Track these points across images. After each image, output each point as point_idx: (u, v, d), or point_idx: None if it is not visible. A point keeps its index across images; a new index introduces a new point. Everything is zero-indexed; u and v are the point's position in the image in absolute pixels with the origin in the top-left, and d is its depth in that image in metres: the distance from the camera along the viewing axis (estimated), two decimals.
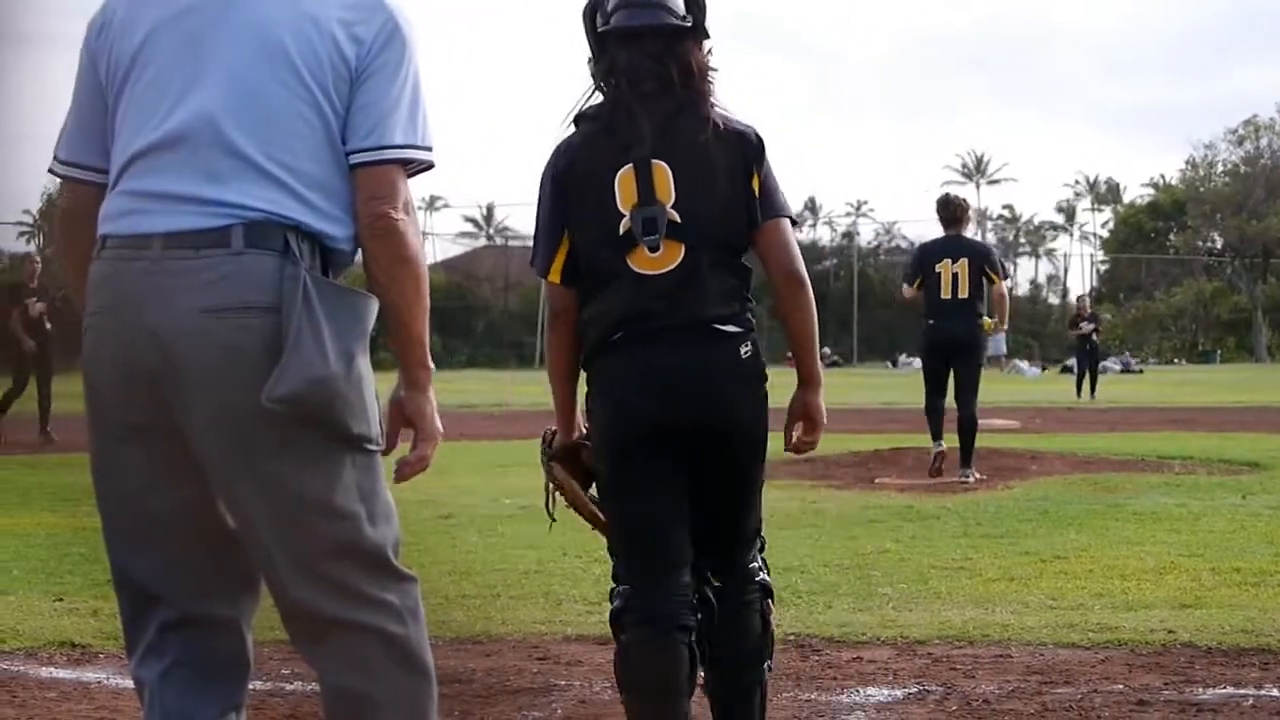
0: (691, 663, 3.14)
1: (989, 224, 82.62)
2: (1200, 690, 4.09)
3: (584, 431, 3.27)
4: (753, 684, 3.28)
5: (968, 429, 9.73)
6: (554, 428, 3.32)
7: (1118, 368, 43.96)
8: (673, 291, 3.06)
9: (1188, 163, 76.13)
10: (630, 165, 3.08)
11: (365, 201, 2.40)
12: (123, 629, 2.55)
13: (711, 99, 3.15)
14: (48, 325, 14.42)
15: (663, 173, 3.08)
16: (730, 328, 3.10)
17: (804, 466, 10.72)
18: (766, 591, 3.29)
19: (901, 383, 30.16)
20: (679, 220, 3.07)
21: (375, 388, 2.44)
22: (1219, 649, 4.56)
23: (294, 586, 2.38)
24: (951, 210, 10.29)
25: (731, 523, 3.24)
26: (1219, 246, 72.83)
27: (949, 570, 6.11)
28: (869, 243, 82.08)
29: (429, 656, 2.48)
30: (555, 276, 3.18)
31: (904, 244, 70.88)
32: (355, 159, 2.41)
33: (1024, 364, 46.29)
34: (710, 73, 3.17)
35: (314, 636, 2.42)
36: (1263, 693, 4.06)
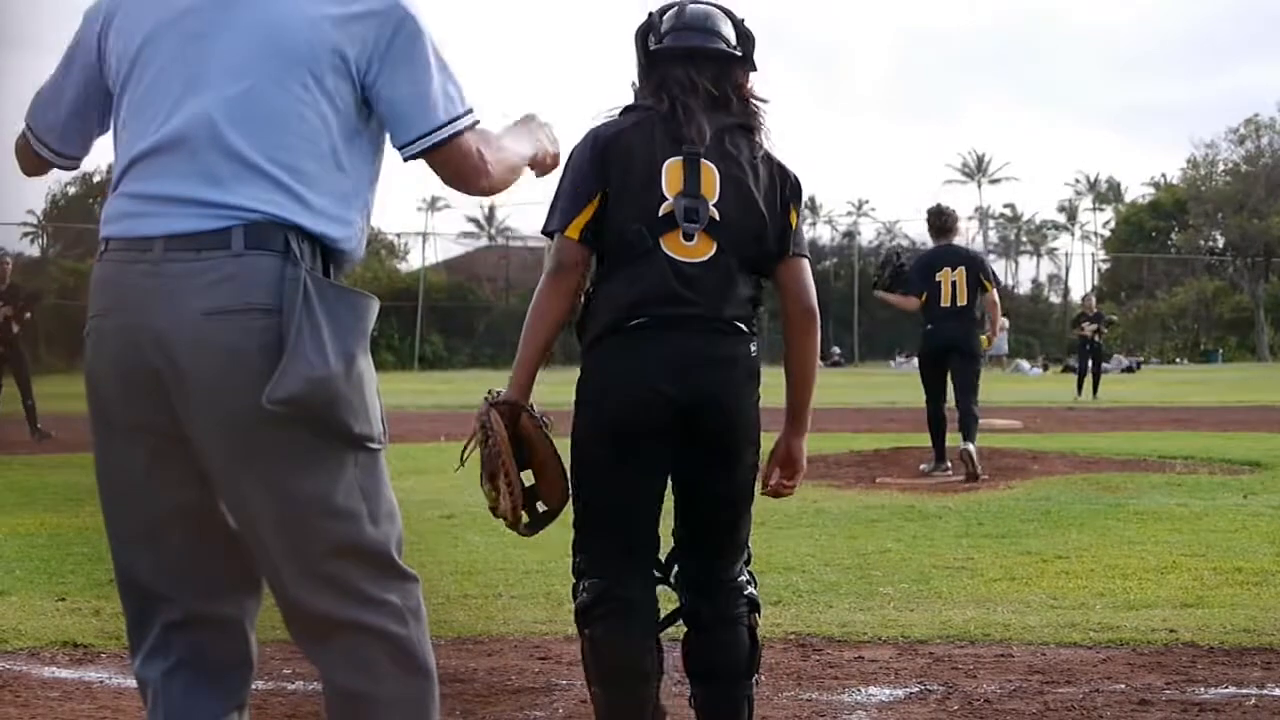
0: (659, 653, 3.20)
1: (991, 223, 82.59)
2: (1202, 690, 4.09)
3: (534, 404, 3.21)
4: (741, 699, 3.29)
5: (970, 420, 9.83)
6: (498, 388, 3.22)
7: (1118, 367, 43.94)
8: (703, 280, 3.09)
9: (1189, 162, 76.13)
10: (681, 157, 3.11)
11: (451, 182, 2.52)
12: (126, 629, 2.56)
13: (759, 121, 3.24)
14: (15, 329, 14.23)
15: (710, 173, 3.12)
16: (744, 326, 3.15)
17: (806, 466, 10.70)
18: (753, 605, 3.31)
19: (902, 382, 30.16)
20: (718, 219, 3.10)
21: (377, 386, 2.45)
22: (1221, 648, 4.57)
23: (296, 587, 2.39)
24: (945, 220, 10.61)
25: (724, 526, 3.27)
26: (1220, 246, 72.80)
27: (950, 570, 6.11)
28: (870, 242, 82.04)
29: (431, 657, 2.48)
30: (574, 233, 3.12)
31: (905, 243, 70.81)
32: (409, 152, 2.45)
33: (1025, 363, 46.31)
34: (761, 103, 3.26)
35: (317, 637, 2.42)
36: (1265, 692, 4.06)
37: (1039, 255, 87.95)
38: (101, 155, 2.65)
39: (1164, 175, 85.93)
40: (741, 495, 3.27)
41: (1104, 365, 27.54)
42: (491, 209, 79.72)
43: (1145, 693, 4.05)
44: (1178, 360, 61.17)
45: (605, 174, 3.12)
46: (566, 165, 3.13)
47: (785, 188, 3.20)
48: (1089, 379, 24.48)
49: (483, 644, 4.77)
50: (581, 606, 3.17)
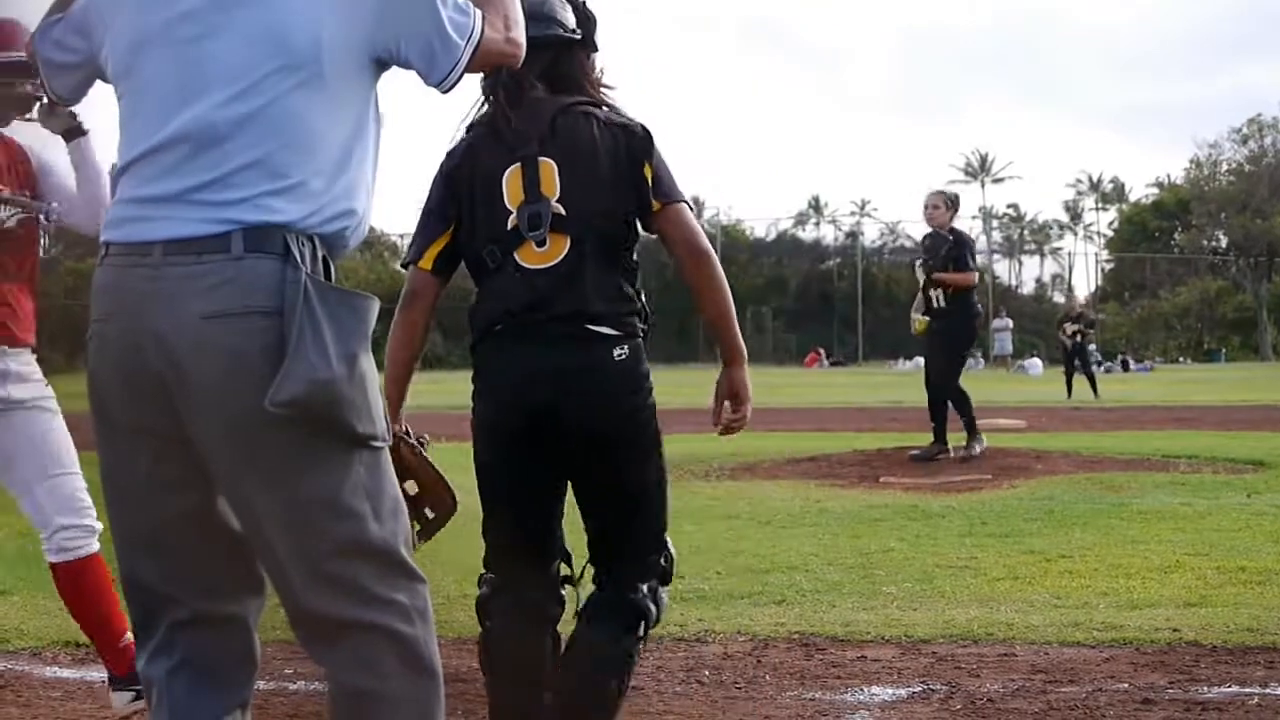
0: (555, 650, 3.22)
1: (994, 223, 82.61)
2: (1205, 689, 4.08)
3: (404, 427, 3.24)
4: (600, 699, 3.21)
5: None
6: None
7: (1121, 368, 43.95)
8: (556, 284, 3.09)
9: (1192, 161, 76.20)
10: (518, 164, 3.14)
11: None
12: (132, 629, 2.57)
13: (602, 101, 3.23)
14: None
15: (549, 169, 3.13)
16: (606, 329, 3.10)
17: (808, 466, 10.73)
18: (642, 614, 3.22)
19: (905, 382, 30.16)
20: (564, 213, 3.10)
21: (380, 385, 2.45)
22: (1224, 647, 4.56)
23: (304, 588, 2.39)
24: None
25: (614, 534, 3.23)
26: (1224, 245, 72.78)
27: (954, 569, 6.10)
28: (873, 242, 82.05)
29: (437, 657, 2.48)
30: (426, 264, 3.21)
31: (908, 243, 70.82)
32: (445, 87, 2.49)
33: (1028, 363, 46.29)
34: (599, 80, 3.27)
35: (324, 638, 2.42)
36: (1268, 691, 4.06)
37: (1042, 255, 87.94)
38: (102, 156, 2.65)
39: (1168, 175, 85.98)
40: (623, 501, 3.21)
41: (1097, 363, 27.56)
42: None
43: (1148, 692, 4.05)
44: (1181, 360, 61.15)
45: (454, 204, 3.19)
46: (425, 199, 3.25)
47: (630, 145, 3.15)
48: (1082, 380, 24.48)
49: None
50: (479, 600, 3.24)
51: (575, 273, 3.10)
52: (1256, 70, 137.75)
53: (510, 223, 3.12)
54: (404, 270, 3.30)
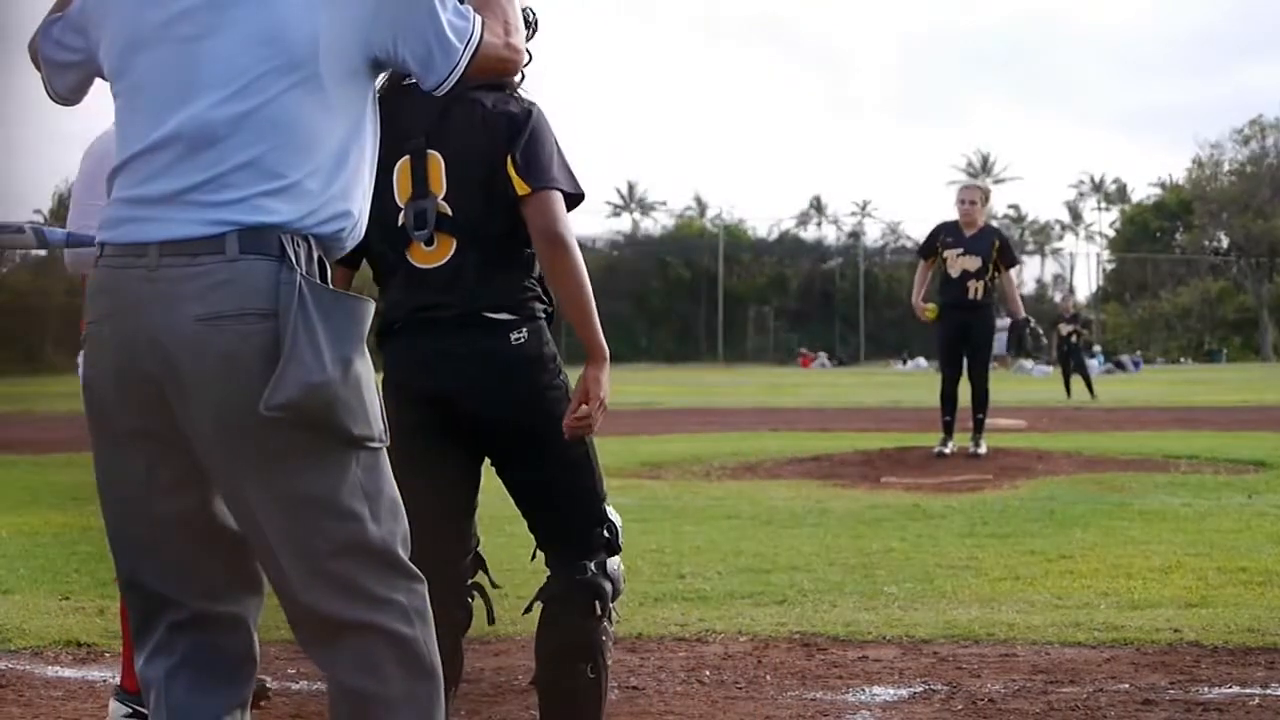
0: (455, 657, 3.16)
1: (995, 223, 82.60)
2: (1206, 689, 4.08)
3: None
4: (573, 688, 3.19)
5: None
6: None
7: (1125, 368, 43.92)
8: (446, 284, 3.08)
9: (1194, 162, 76.26)
10: (407, 156, 3.11)
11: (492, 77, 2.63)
12: (131, 630, 2.56)
13: (504, 88, 3.14)
14: None
15: (436, 163, 3.10)
16: (503, 315, 3.08)
17: (810, 465, 10.73)
18: (595, 593, 3.17)
19: (906, 381, 30.15)
20: (450, 214, 3.08)
21: (376, 384, 2.45)
22: (1225, 648, 4.56)
23: (302, 588, 2.39)
24: None
25: (540, 515, 3.21)
26: (1225, 246, 72.80)
27: (955, 569, 6.10)
28: (875, 242, 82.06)
29: (436, 658, 2.48)
30: None
31: (909, 243, 70.81)
32: (442, 90, 2.49)
33: (1029, 362, 46.24)
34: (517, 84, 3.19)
35: (324, 639, 2.42)
36: (1269, 692, 4.05)
37: (1044, 255, 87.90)
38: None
39: (1169, 175, 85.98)
40: (544, 485, 3.16)
41: (1092, 362, 27.61)
42: None
43: (1149, 692, 4.05)
44: (1182, 360, 61.11)
45: None
46: None
47: (507, 131, 3.08)
48: (1078, 380, 24.51)
49: (489, 644, 4.77)
50: None
51: (464, 272, 3.07)
52: (1258, 71, 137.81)
53: (400, 220, 3.10)
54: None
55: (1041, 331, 10.90)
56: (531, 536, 3.27)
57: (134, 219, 2.38)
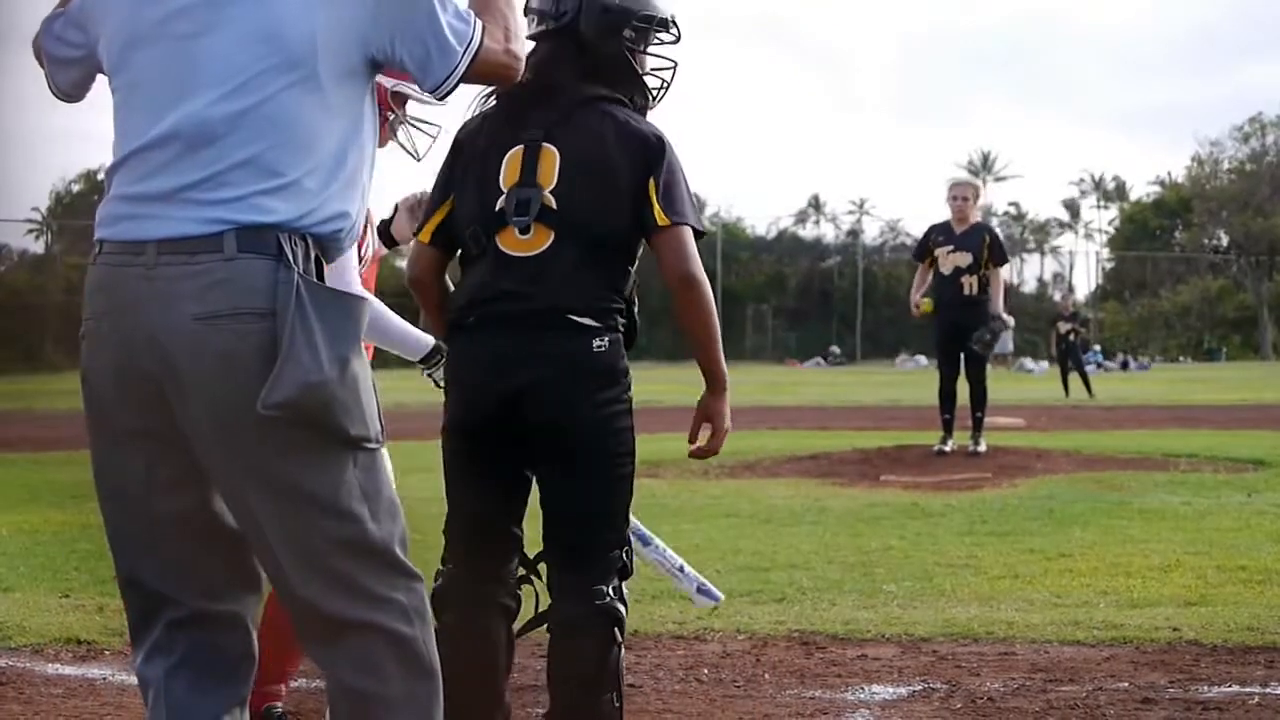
0: (509, 646, 3.16)
1: (995, 221, 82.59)
2: (1205, 688, 4.08)
3: None
4: (585, 712, 3.08)
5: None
6: None
7: (1116, 365, 43.94)
8: (533, 275, 3.03)
9: (1194, 160, 76.24)
10: (521, 146, 3.09)
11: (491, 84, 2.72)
12: (129, 627, 2.56)
13: (632, 103, 3.16)
14: None
15: (550, 157, 3.07)
16: (586, 320, 3.01)
17: (809, 464, 10.73)
18: (612, 620, 3.06)
19: (906, 380, 30.16)
20: (554, 206, 3.04)
21: (374, 384, 2.45)
22: (1224, 647, 4.56)
23: (302, 586, 2.39)
24: None
25: (573, 536, 3.10)
26: (1224, 244, 72.81)
27: (954, 568, 6.10)
28: (873, 240, 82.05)
29: (436, 657, 2.49)
30: (426, 236, 3.20)
31: (908, 241, 70.79)
32: (440, 94, 2.50)
33: (1029, 361, 46.29)
34: (638, 74, 3.19)
35: (323, 637, 2.43)
36: (1268, 690, 4.06)
37: (1043, 253, 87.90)
38: (104, 154, 2.65)
39: (1169, 173, 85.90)
40: (587, 496, 3.08)
41: (1104, 364, 27.64)
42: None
43: (1148, 691, 4.05)
44: (1181, 359, 61.11)
45: (454, 177, 3.17)
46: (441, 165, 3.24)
47: (644, 156, 3.06)
48: (1076, 379, 24.51)
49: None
50: (434, 593, 3.07)
51: (555, 265, 3.02)
52: (1259, 69, 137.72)
53: (499, 204, 3.07)
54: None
55: (998, 330, 10.83)
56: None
57: (132, 216, 2.38)
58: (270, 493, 2.36)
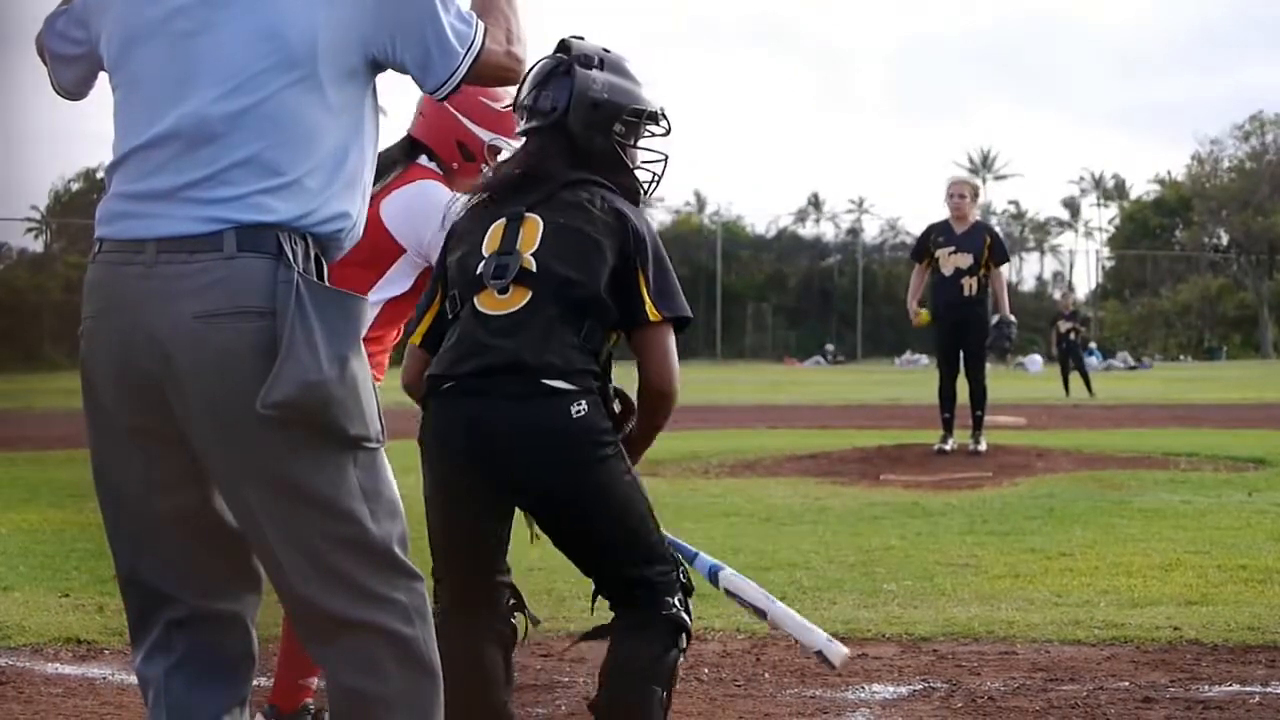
0: (508, 671, 3.17)
1: (994, 220, 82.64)
2: (1206, 687, 4.08)
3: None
4: (641, 705, 3.08)
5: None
6: None
7: (1121, 365, 43.96)
8: (508, 330, 3.02)
9: (1194, 159, 76.20)
10: (504, 219, 3.13)
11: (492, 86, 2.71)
12: (129, 626, 2.56)
13: (622, 187, 3.19)
14: None
15: (532, 225, 3.10)
16: (561, 384, 3.00)
17: (809, 463, 10.72)
18: (677, 626, 3.10)
19: (906, 379, 30.16)
20: (533, 269, 3.05)
21: (373, 383, 2.45)
22: (1225, 646, 4.56)
23: (302, 585, 2.38)
24: None
25: (606, 570, 3.14)
26: (1225, 243, 72.80)
27: (954, 567, 6.10)
28: (873, 239, 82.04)
29: (436, 657, 2.48)
30: (417, 338, 3.22)
31: (907, 239, 70.77)
32: (441, 94, 2.49)
33: (1027, 360, 46.25)
34: (629, 168, 3.23)
35: (324, 638, 2.42)
36: (1269, 690, 4.05)
37: (1043, 252, 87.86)
38: (103, 153, 2.65)
39: (1169, 172, 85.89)
40: (592, 550, 3.12)
41: (1109, 363, 27.65)
42: None
43: (1149, 690, 4.04)
44: (1181, 357, 61.11)
45: (444, 266, 3.20)
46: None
47: (626, 234, 3.09)
48: (1077, 378, 24.50)
49: None
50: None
51: (531, 321, 3.02)
52: (1259, 68, 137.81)
53: (479, 269, 3.09)
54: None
55: (1012, 335, 10.88)
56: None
57: (132, 214, 2.37)
58: (270, 492, 2.35)
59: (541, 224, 3.09)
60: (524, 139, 3.25)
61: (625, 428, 3.20)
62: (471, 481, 3.06)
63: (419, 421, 3.13)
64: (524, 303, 3.04)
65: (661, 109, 3.27)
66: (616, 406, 3.20)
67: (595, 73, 3.19)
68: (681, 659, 3.15)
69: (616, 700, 3.09)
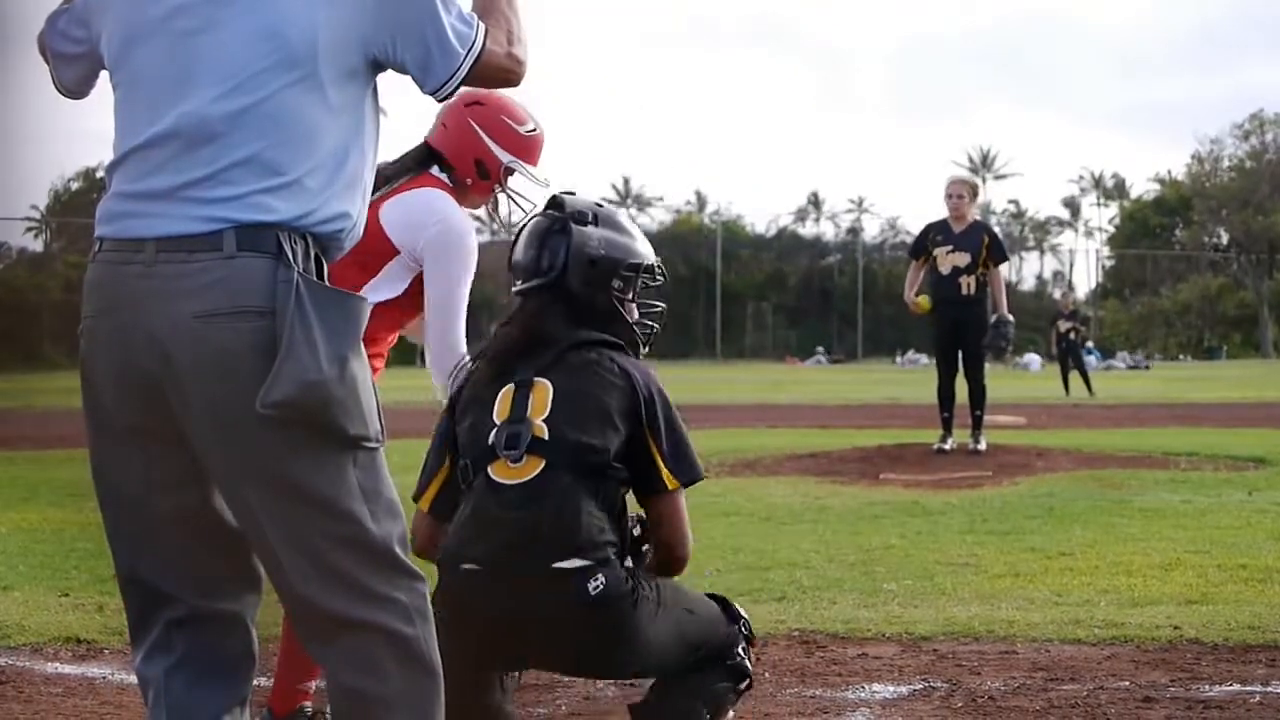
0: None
1: (994, 219, 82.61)
2: (1206, 687, 4.08)
3: None
4: (684, 712, 3.19)
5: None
6: None
7: (1122, 365, 43.95)
8: (523, 502, 3.02)
9: (1194, 158, 76.24)
10: (512, 385, 3.13)
11: (493, 88, 2.67)
12: (129, 626, 2.56)
13: (626, 344, 3.22)
14: None
15: (542, 391, 3.11)
16: (578, 561, 2.99)
17: (809, 462, 10.72)
18: (743, 674, 3.26)
19: (906, 378, 30.16)
20: (545, 436, 3.05)
21: (373, 383, 2.45)
22: (1225, 645, 4.55)
23: (303, 584, 2.38)
24: None
25: (666, 682, 3.20)
26: (1225, 242, 72.80)
27: (954, 566, 6.09)
28: (873, 238, 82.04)
29: (437, 656, 2.48)
30: (425, 504, 3.22)
31: (907, 238, 70.80)
32: (440, 95, 2.48)
33: (1026, 359, 46.27)
34: (628, 322, 3.27)
35: (324, 637, 2.42)
36: (1269, 689, 4.05)
37: (1043, 251, 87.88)
38: (103, 152, 2.65)
39: (1169, 171, 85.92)
40: (659, 672, 3.19)
41: (1109, 362, 27.65)
42: (495, 203, 79.66)
43: (1149, 690, 4.04)
44: (1181, 357, 61.10)
45: (454, 435, 3.19)
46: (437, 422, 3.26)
47: (636, 398, 3.10)
48: (1076, 377, 24.50)
49: None
50: None
51: (546, 493, 3.02)
52: (1259, 67, 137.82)
53: (491, 438, 3.08)
54: None
55: (1010, 335, 10.89)
56: None
57: (132, 214, 2.37)
58: (269, 491, 2.35)
59: (551, 389, 3.09)
60: (520, 299, 3.26)
61: (645, 556, 3.23)
62: (494, 651, 3.09)
63: (438, 586, 3.06)
64: (538, 472, 3.04)
65: (658, 262, 3.29)
66: (635, 530, 3.22)
67: (591, 229, 3.22)
68: (734, 699, 3.22)
69: (660, 705, 3.16)
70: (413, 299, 3.59)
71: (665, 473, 3.10)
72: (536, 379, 3.11)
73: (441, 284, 3.53)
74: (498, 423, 3.09)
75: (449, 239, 3.52)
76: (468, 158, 3.64)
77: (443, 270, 3.53)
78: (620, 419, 3.08)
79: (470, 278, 3.57)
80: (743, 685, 3.22)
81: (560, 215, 3.24)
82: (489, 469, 3.07)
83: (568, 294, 3.20)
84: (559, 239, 3.21)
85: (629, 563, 3.12)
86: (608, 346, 3.18)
